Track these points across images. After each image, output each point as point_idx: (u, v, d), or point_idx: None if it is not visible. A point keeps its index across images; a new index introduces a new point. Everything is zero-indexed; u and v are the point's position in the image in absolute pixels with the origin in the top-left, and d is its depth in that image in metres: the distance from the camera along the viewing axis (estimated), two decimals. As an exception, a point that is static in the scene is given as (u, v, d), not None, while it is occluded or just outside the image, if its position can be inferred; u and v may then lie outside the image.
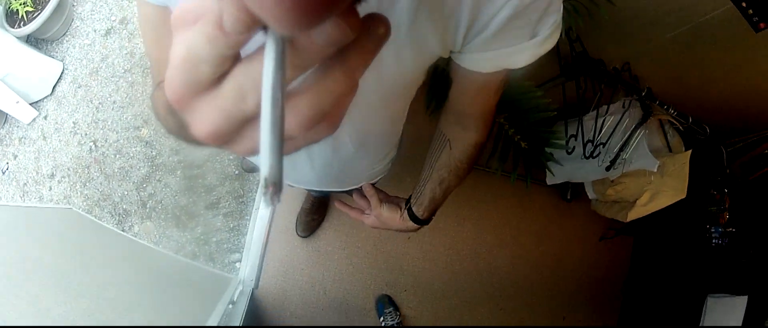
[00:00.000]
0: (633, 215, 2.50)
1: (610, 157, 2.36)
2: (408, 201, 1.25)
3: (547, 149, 2.19)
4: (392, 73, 0.82)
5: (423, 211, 1.20)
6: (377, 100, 0.91)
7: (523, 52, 0.78)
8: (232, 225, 2.92)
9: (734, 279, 2.48)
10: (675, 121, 2.32)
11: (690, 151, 2.30)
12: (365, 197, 1.34)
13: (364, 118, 0.99)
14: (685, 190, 2.32)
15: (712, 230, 2.51)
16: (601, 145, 2.39)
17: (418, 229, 1.26)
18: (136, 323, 1.64)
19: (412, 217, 1.22)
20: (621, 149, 2.33)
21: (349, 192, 1.42)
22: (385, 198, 1.32)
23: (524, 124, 2.03)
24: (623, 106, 2.34)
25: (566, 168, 2.74)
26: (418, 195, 1.20)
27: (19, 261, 1.63)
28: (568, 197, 3.22)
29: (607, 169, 2.38)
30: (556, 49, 2.22)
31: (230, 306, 2.37)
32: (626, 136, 2.31)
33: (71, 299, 1.56)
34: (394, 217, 1.27)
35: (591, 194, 2.93)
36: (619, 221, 2.67)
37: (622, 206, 2.63)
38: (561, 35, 1.89)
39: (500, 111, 2.00)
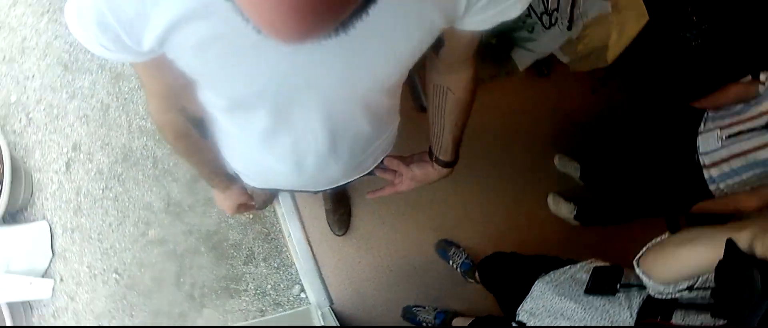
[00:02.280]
0: (612, 54, 2.63)
1: (566, 17, 2.49)
2: (430, 153, 1.36)
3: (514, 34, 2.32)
4: (407, 56, 0.85)
5: (450, 154, 1.32)
6: (394, 82, 0.97)
7: (518, 2, 0.83)
8: (275, 264, 2.99)
9: (723, 71, 2.51)
10: None
11: None
12: (388, 169, 1.44)
13: (378, 101, 1.04)
14: (646, 12, 2.46)
15: (688, 35, 2.69)
16: (555, 11, 2.49)
17: (452, 170, 1.38)
18: None
19: (442, 163, 1.34)
20: (572, 6, 2.45)
21: (372, 173, 1.48)
22: (409, 160, 1.42)
23: None
24: None
25: (529, 48, 2.84)
26: (439, 146, 1.30)
27: None
28: (546, 72, 3.36)
29: (569, 28, 2.51)
30: None
31: None
32: None
33: None
34: (427, 171, 1.38)
35: (564, 59, 3.07)
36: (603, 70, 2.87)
37: (597, 55, 2.75)
38: None
39: None
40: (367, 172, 1.43)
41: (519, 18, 2.36)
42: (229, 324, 2.90)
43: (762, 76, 2.02)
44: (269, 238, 3.01)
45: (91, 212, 3.20)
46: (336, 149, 1.11)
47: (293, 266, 2.94)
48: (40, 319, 3.22)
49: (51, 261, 3.22)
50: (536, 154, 3.27)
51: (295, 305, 2.88)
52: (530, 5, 2.52)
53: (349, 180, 1.42)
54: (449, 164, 1.34)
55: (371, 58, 0.82)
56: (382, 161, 1.43)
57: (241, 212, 1.53)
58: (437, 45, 0.97)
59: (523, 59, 2.88)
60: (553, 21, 2.52)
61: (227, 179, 1.35)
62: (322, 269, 2.87)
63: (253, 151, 1.15)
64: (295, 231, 2.89)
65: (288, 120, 0.96)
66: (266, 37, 0.67)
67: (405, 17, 0.76)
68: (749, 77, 2.12)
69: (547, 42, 2.71)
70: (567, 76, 3.27)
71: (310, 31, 0.38)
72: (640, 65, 3.08)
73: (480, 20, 0.86)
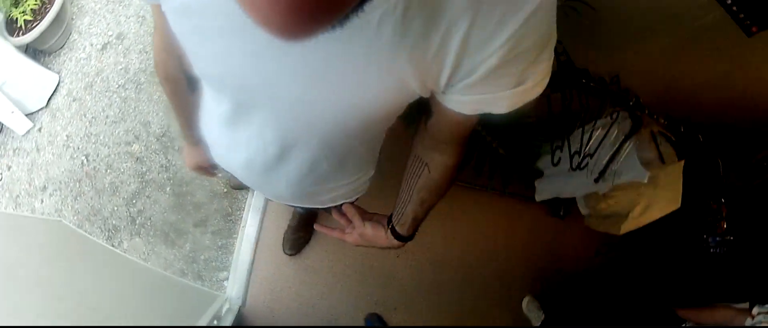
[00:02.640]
0: (626, 227, 2.50)
1: (598, 169, 2.38)
2: (390, 220, 1.29)
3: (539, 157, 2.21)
4: (370, 104, 0.81)
5: (406, 229, 1.24)
6: (355, 127, 0.91)
7: (506, 100, 0.79)
8: (220, 243, 3.02)
9: (733, 287, 2.47)
10: (667, 132, 2.33)
11: (683, 162, 2.30)
12: (344, 215, 1.39)
13: (341, 142, 1.01)
14: (679, 200, 2.35)
15: (710, 240, 2.52)
16: (589, 157, 2.40)
17: (404, 245, 1.30)
18: None
19: (396, 235, 1.26)
20: (610, 161, 2.33)
21: (328, 210, 1.45)
22: (367, 216, 1.37)
23: (501, 130, 2.06)
24: (611, 118, 2.33)
25: (554, 183, 2.79)
26: (400, 216, 1.24)
27: (5, 268, 1.72)
28: (561, 214, 3.27)
29: (596, 180, 2.41)
30: None
31: (215, 322, 2.48)
32: (615, 147, 2.31)
33: (54, 307, 1.65)
34: (379, 235, 1.31)
35: (583, 210, 2.92)
36: (615, 236, 2.66)
37: (614, 220, 2.63)
38: None
39: (486, 126, 2.02)
40: (323, 207, 1.40)
41: (546, 142, 2.28)
42: (145, 263, 2.91)
43: (755, 310, 1.99)
44: (228, 218, 3.05)
45: (98, 96, 3.31)
46: (283, 166, 1.08)
47: (232, 255, 2.96)
48: (1, 144, 3.33)
49: (40, 110, 3.32)
50: (509, 284, 3.18)
51: (213, 287, 2.89)
52: (567, 138, 2.47)
53: (301, 205, 1.42)
54: (402, 238, 1.27)
55: (329, 90, 0.78)
56: (341, 204, 1.40)
57: (199, 172, 1.55)
58: (427, 113, 0.96)
59: (543, 191, 2.85)
60: (582, 165, 2.40)
61: (197, 136, 1.31)
62: (253, 272, 2.88)
63: (218, 130, 1.12)
64: (251, 226, 2.93)
65: (246, 115, 0.95)
66: (234, 30, 0.72)
67: (373, 63, 0.72)
68: (746, 304, 2.07)
69: (571, 184, 2.63)
70: (578, 225, 3.03)
71: (306, 27, 0.39)
72: (648, 250, 3.01)
73: (461, 102, 0.82)
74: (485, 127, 2.06)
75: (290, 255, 2.90)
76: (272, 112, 0.89)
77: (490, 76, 0.73)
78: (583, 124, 2.41)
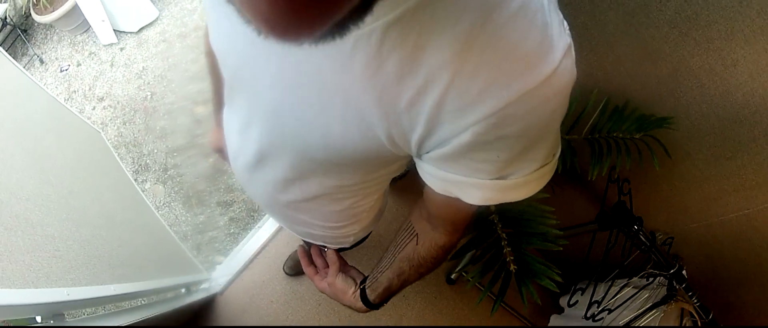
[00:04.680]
0: None
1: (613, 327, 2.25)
2: (364, 280, 1.24)
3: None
4: (338, 141, 0.73)
5: (376, 296, 1.19)
6: (322, 161, 0.83)
7: (480, 190, 0.73)
8: (232, 230, 3.11)
9: None
10: (696, 314, 2.19)
11: None
12: (322, 257, 1.35)
13: (311, 172, 0.93)
14: None
15: None
16: (608, 312, 2.25)
17: (367, 311, 1.24)
18: (85, 246, 1.78)
19: (364, 298, 1.21)
20: (628, 324, 2.19)
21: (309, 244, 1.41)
22: (344, 269, 1.32)
23: (522, 247, 1.89)
24: (647, 279, 2.23)
25: (566, 325, 2.70)
26: (374, 280, 1.19)
27: (35, 149, 1.88)
28: None
29: None
30: (603, 192, 2.16)
31: (183, 291, 2.53)
32: (639, 311, 2.19)
33: (48, 197, 1.73)
34: (346, 291, 1.25)
35: None
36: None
37: None
38: (601, 173, 1.87)
39: (507, 225, 1.93)
40: (303, 238, 1.36)
41: (564, 274, 1.91)
42: (156, 211, 3.00)
43: None
44: (250, 212, 3.15)
45: (187, 48, 3.56)
46: (260, 171, 1.00)
47: (236, 246, 3.02)
48: (82, 42, 3.51)
49: (130, 33, 3.56)
50: None
51: (203, 264, 2.93)
52: (596, 282, 2.36)
53: (277, 221, 1.36)
54: (368, 303, 1.20)
55: (299, 108, 0.72)
56: (325, 247, 1.35)
57: (219, 154, 1.47)
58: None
59: (559, 324, 2.73)
60: (597, 317, 2.24)
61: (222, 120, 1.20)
62: (246, 271, 2.93)
63: (224, 112, 1.08)
64: (266, 230, 2.99)
65: (238, 103, 0.91)
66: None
67: (340, 92, 0.65)
68: None
69: None
70: None
71: (306, 29, 0.38)
72: None
73: (432, 175, 0.77)
74: (509, 237, 1.91)
75: (287, 274, 2.94)
76: (256, 109, 0.84)
77: (464, 155, 0.67)
78: (616, 277, 2.29)
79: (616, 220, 2.14)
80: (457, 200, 0.78)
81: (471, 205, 0.81)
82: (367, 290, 1.20)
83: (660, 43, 1.75)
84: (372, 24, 0.57)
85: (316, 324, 2.93)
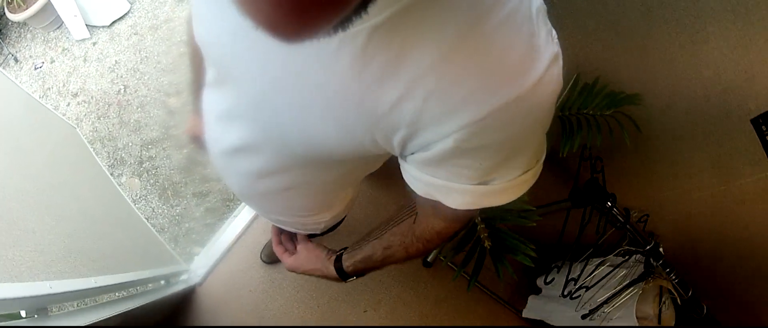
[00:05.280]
0: None
1: (590, 305, 2.25)
2: (343, 249, 1.23)
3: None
4: (318, 139, 0.73)
5: (351, 263, 1.17)
6: (303, 157, 0.84)
7: (462, 195, 0.74)
8: (208, 221, 3.11)
9: None
10: (675, 291, 2.21)
11: None
12: (293, 242, 1.35)
13: (289, 168, 0.94)
14: None
15: None
16: (585, 289, 2.27)
17: (337, 280, 1.22)
18: (65, 240, 1.79)
19: (338, 264, 1.19)
20: (606, 302, 2.20)
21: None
22: (308, 241, 1.32)
23: (497, 223, 1.88)
24: (623, 256, 2.22)
25: (545, 305, 2.70)
26: (357, 247, 1.17)
27: (13, 147, 1.89)
28: None
29: (583, 317, 2.27)
30: (575, 169, 2.17)
31: (163, 283, 2.55)
32: (616, 290, 2.20)
33: (28, 193, 1.75)
34: (318, 255, 1.25)
35: None
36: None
37: None
38: (571, 151, 1.87)
39: None
40: (276, 225, 1.35)
41: (540, 254, 1.89)
42: (133, 204, 3.04)
43: None
44: (226, 202, 3.15)
45: (159, 41, 3.56)
46: (237, 159, 0.99)
47: (214, 236, 3.01)
48: (55, 38, 3.52)
49: (102, 27, 3.54)
50: None
51: (182, 256, 2.93)
52: (572, 261, 2.33)
53: (249, 206, 1.37)
54: (340, 271, 1.19)
55: (282, 102, 0.71)
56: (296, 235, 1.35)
57: (194, 142, 1.44)
58: None
59: (532, 309, 2.76)
60: (573, 295, 2.26)
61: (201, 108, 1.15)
62: (223, 261, 2.93)
63: (204, 96, 1.04)
64: (242, 219, 2.99)
65: (221, 91, 0.90)
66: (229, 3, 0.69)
67: (323, 91, 0.65)
68: None
69: (558, 312, 2.50)
70: None
71: (309, 29, 0.38)
72: None
73: (415, 178, 0.77)
74: (483, 211, 1.85)
75: (264, 262, 2.95)
76: (239, 99, 0.83)
77: (446, 160, 0.68)
78: (592, 255, 2.30)
79: (590, 197, 2.15)
80: (438, 202, 0.78)
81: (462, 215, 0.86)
82: (343, 256, 1.19)
83: (630, 19, 1.76)
84: (358, 26, 0.56)
85: (294, 311, 2.94)
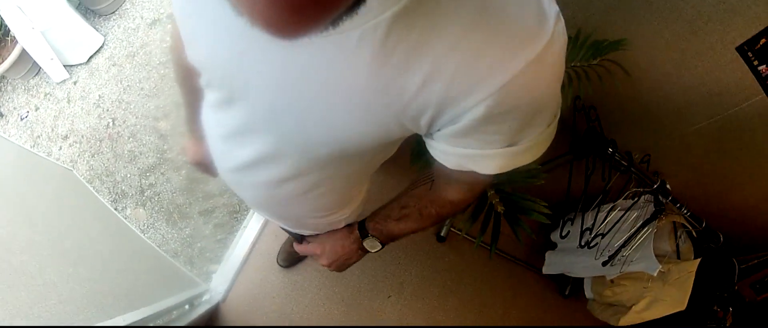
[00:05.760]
0: (626, 320, 2.35)
1: (609, 251, 2.25)
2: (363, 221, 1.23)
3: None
4: (343, 134, 0.75)
5: (372, 223, 1.19)
6: (325, 157, 0.85)
7: (494, 159, 0.76)
8: (219, 236, 3.11)
9: None
10: (689, 224, 2.23)
11: (698, 261, 2.16)
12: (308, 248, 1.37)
13: (308, 171, 0.94)
14: (686, 302, 2.17)
15: None
16: (601, 236, 2.28)
17: (362, 251, 1.25)
18: (85, 285, 1.81)
19: (362, 231, 1.21)
20: (623, 245, 2.20)
21: (297, 235, 1.43)
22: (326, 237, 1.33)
23: (506, 188, 1.89)
24: (632, 200, 2.23)
25: (564, 258, 2.71)
26: (376, 212, 1.19)
27: (17, 202, 1.87)
28: (566, 293, 3.11)
29: (604, 264, 2.26)
30: (570, 122, 2.21)
31: (187, 307, 2.55)
32: (631, 232, 2.20)
33: (40, 245, 1.73)
34: (340, 233, 1.27)
35: (588, 293, 2.77)
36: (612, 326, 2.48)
37: (616, 311, 2.49)
38: (565, 105, 1.83)
39: None
40: (294, 230, 1.37)
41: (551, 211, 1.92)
42: (142, 234, 3.02)
43: None
44: (233, 215, 3.14)
45: (138, 67, 3.50)
46: (253, 172, 0.99)
47: (227, 251, 3.02)
48: (35, 85, 3.52)
49: (80, 65, 3.52)
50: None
51: (200, 276, 2.92)
52: (583, 211, 2.37)
53: (266, 216, 1.37)
54: (363, 231, 1.20)
55: (302, 105, 0.73)
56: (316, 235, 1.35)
57: (199, 169, 1.46)
58: None
59: (551, 264, 2.77)
60: (591, 244, 2.25)
61: (201, 130, 1.13)
62: (242, 273, 2.94)
63: (205, 118, 1.05)
64: (252, 228, 3.00)
65: (228, 109, 0.89)
66: (225, 20, 0.70)
67: (347, 85, 0.67)
68: None
69: (580, 263, 2.48)
70: (581, 309, 2.92)
71: (303, 25, 0.38)
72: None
73: (446, 153, 0.79)
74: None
75: (282, 267, 2.95)
76: (250, 113, 0.84)
77: (477, 129, 0.70)
78: (601, 202, 2.34)
79: (590, 146, 2.19)
80: (468, 181, 0.87)
81: (480, 185, 0.93)
82: (366, 220, 1.20)
83: None
84: (377, 17, 0.59)
85: (321, 309, 2.96)
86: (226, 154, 1.02)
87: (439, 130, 0.74)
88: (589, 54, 1.95)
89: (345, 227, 1.27)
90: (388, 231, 1.16)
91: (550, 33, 0.62)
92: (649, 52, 2.02)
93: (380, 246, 1.21)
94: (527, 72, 0.62)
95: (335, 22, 0.43)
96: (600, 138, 2.16)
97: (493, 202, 1.87)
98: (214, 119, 0.99)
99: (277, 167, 0.94)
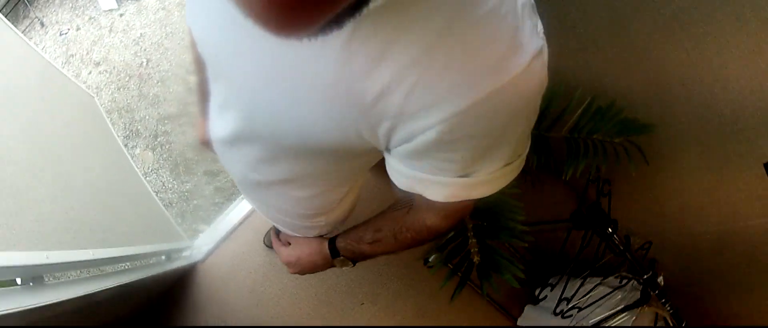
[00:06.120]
0: None
1: (584, 324, 2.22)
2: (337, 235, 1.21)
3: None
4: (309, 129, 0.73)
5: (343, 240, 1.17)
6: (293, 148, 0.84)
7: (445, 188, 0.75)
8: (217, 200, 3.15)
9: None
10: (669, 321, 2.18)
11: None
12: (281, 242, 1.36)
13: (281, 158, 0.93)
14: None
15: None
16: (577, 309, 2.26)
17: (330, 263, 1.23)
18: (68, 211, 1.83)
19: (331, 244, 1.19)
20: (597, 324, 2.18)
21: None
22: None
23: (486, 241, 1.85)
24: (620, 281, 2.23)
25: (540, 317, 2.65)
26: (352, 229, 1.17)
27: (27, 115, 1.92)
28: None
29: None
30: (581, 190, 2.21)
31: (164, 258, 2.58)
32: (610, 312, 2.18)
33: (38, 161, 1.79)
34: (313, 241, 1.25)
35: None
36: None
37: None
38: (576, 174, 1.84)
39: (475, 216, 1.86)
40: (274, 224, 1.34)
41: (540, 263, 2.03)
42: (143, 178, 3.10)
43: None
44: (234, 184, 3.13)
45: (185, 18, 3.56)
46: (233, 150, 0.98)
47: (220, 215, 3.03)
48: (82, 6, 3.60)
49: (130, 1, 3.59)
50: None
51: (186, 232, 2.99)
52: (569, 276, 2.36)
53: (248, 199, 1.34)
54: (333, 249, 1.18)
55: (274, 97, 0.72)
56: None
57: (205, 148, 1.39)
58: None
59: (527, 318, 2.74)
60: (566, 314, 2.25)
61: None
62: (227, 241, 2.95)
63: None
64: (247, 202, 2.97)
65: (217, 85, 0.89)
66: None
67: (312, 83, 0.65)
68: None
69: (552, 326, 2.42)
70: None
71: (302, 25, 0.38)
72: None
73: (398, 171, 0.78)
74: (477, 229, 1.85)
75: (267, 246, 2.95)
76: (231, 92, 0.83)
77: (428, 153, 0.69)
78: (590, 274, 2.28)
79: (591, 220, 2.13)
80: (435, 206, 0.82)
81: (452, 213, 0.90)
82: (337, 237, 1.18)
83: (648, 44, 1.71)
84: (334, 31, 0.54)
85: (291, 296, 2.96)
86: (215, 126, 0.99)
87: (395, 147, 0.72)
88: (614, 130, 1.90)
89: (318, 238, 1.25)
90: (360, 252, 1.14)
91: (522, 67, 0.59)
92: (676, 145, 1.97)
93: (352, 264, 1.20)
94: (485, 104, 0.60)
95: (339, 22, 0.44)
96: (603, 216, 2.12)
97: (472, 250, 1.84)
98: (212, 93, 0.98)
99: (252, 147, 0.93)
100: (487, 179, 0.73)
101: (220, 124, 0.94)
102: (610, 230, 2.09)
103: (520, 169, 0.77)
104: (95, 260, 1.72)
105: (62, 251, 1.53)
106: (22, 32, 3.53)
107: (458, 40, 0.58)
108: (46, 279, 1.45)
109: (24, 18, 3.72)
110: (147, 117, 3.27)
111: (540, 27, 0.63)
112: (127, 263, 2.19)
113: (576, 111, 1.89)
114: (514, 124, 0.66)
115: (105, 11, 3.55)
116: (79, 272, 1.89)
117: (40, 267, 1.39)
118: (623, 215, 2.13)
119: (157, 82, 3.36)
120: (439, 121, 0.61)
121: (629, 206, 2.25)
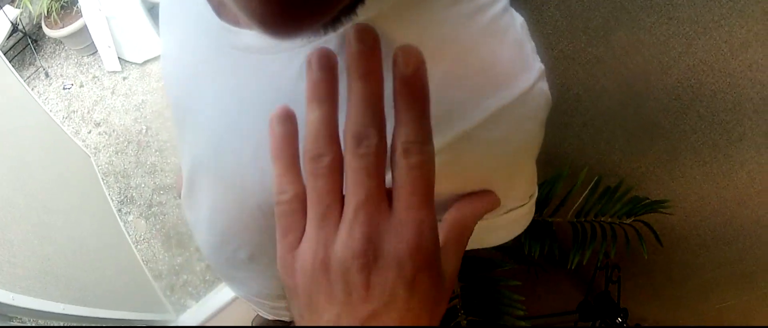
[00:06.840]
0: None
1: None
2: None
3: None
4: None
5: None
6: (257, 203, 0.66)
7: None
8: (207, 278, 3.07)
9: None
10: None
11: None
12: None
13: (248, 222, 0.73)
14: None
15: None
16: None
17: None
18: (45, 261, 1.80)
19: None
20: None
21: None
22: None
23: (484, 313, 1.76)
24: None
25: None
26: None
27: (16, 158, 1.92)
28: None
29: None
30: (589, 277, 2.08)
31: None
32: None
33: (24, 206, 1.78)
34: None
35: None
36: None
37: None
38: (582, 262, 1.73)
39: (471, 311, 1.77)
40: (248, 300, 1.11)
41: None
42: (134, 245, 3.05)
43: None
44: None
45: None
46: (192, 201, 0.77)
47: (210, 293, 2.83)
48: (88, 64, 3.60)
49: (134, 63, 3.65)
50: None
51: (173, 306, 2.88)
52: None
53: (216, 275, 1.25)
54: None
55: (234, 122, 0.59)
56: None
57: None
58: None
59: None
60: None
61: None
62: (213, 320, 2.74)
63: None
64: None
65: (182, 120, 0.71)
66: (188, 26, 0.63)
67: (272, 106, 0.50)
68: None
69: None
70: None
71: (299, 23, 0.34)
72: None
73: None
74: (466, 308, 1.76)
75: None
76: (191, 127, 0.68)
77: None
78: None
79: (599, 311, 2.05)
80: None
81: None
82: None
83: (659, 116, 1.66)
84: (330, 33, 0.44)
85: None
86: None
87: None
88: (624, 211, 1.77)
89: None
90: None
91: (531, 84, 0.50)
92: (691, 219, 1.88)
93: None
94: (494, 122, 0.49)
95: (334, 24, 0.39)
96: (612, 305, 2.03)
97: (461, 323, 1.76)
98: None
99: (210, 195, 0.71)
100: (501, 223, 0.63)
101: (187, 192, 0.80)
102: (619, 319, 2.00)
103: (531, 215, 0.67)
104: (64, 315, 1.68)
105: (31, 297, 1.52)
106: (27, 79, 3.57)
107: (459, 53, 0.51)
108: (12, 321, 1.46)
109: (30, 65, 3.76)
110: (142, 185, 3.26)
111: (535, 49, 0.55)
112: (102, 324, 2.10)
113: (582, 193, 1.78)
114: (525, 149, 0.55)
115: (109, 72, 3.58)
116: (46, 321, 1.88)
117: (5, 306, 1.38)
118: (632, 299, 2.03)
119: (155, 151, 3.35)
120: (437, 151, 0.47)
121: (638, 290, 2.15)
